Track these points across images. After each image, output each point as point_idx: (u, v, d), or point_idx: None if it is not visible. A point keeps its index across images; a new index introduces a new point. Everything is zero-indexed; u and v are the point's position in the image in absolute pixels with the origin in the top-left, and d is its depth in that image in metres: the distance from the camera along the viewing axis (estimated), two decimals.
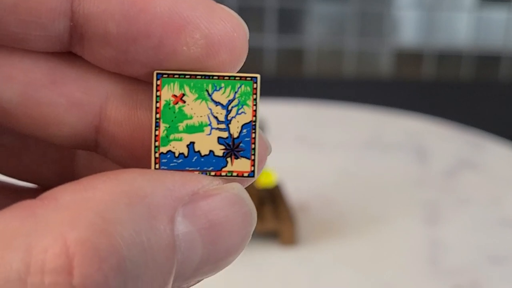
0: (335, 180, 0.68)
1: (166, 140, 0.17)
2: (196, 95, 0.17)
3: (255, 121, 0.17)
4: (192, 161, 0.17)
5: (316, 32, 1.00)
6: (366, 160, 0.73)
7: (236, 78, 0.17)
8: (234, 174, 0.17)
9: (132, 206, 0.14)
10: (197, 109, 0.17)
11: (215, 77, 0.17)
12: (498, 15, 1.00)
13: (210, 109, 0.17)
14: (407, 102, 0.90)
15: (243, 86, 0.17)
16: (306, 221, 0.60)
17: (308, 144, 0.77)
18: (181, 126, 0.17)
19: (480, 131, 0.81)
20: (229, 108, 0.17)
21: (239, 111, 0.17)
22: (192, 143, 0.17)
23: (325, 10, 0.99)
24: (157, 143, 0.16)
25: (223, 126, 0.17)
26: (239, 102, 0.17)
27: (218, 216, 0.16)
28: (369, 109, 0.86)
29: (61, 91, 0.17)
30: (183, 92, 0.17)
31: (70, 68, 0.17)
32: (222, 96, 0.17)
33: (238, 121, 0.17)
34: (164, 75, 0.16)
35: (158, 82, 0.16)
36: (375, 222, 0.61)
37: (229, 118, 0.17)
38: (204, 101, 0.17)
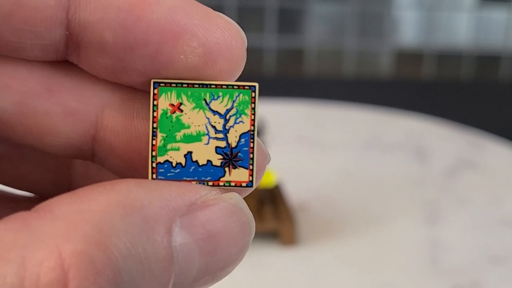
0: (335, 180, 0.68)
1: (163, 150, 0.16)
2: (194, 104, 0.16)
3: (253, 131, 0.17)
4: (190, 171, 0.16)
5: (316, 32, 1.00)
6: (366, 160, 0.73)
7: (234, 87, 0.16)
8: (232, 184, 0.17)
9: (128, 218, 0.14)
10: (194, 118, 0.16)
11: (212, 86, 0.16)
12: (498, 15, 1.00)
13: (208, 118, 0.16)
14: (407, 102, 0.90)
15: (241, 95, 0.16)
16: (306, 221, 0.60)
17: (308, 144, 0.77)
18: (179, 135, 0.16)
19: (480, 131, 0.81)
20: (227, 117, 0.16)
21: (237, 120, 0.16)
22: (190, 152, 0.16)
23: (325, 10, 0.99)
24: (154, 153, 0.16)
25: (221, 135, 0.16)
26: (237, 111, 0.16)
27: (216, 226, 0.15)
28: (369, 109, 0.86)
29: (56, 100, 0.17)
30: (180, 101, 0.16)
31: (66, 77, 0.17)
32: (220, 105, 0.16)
33: (236, 131, 0.16)
34: (161, 84, 0.16)
35: (155, 91, 0.16)
36: (375, 222, 0.61)
37: (227, 127, 0.16)
38: (201, 110, 0.16)
